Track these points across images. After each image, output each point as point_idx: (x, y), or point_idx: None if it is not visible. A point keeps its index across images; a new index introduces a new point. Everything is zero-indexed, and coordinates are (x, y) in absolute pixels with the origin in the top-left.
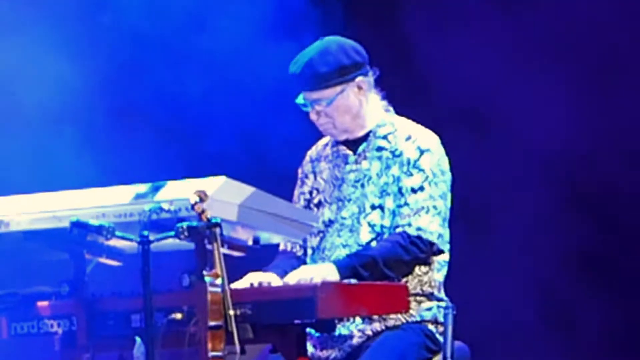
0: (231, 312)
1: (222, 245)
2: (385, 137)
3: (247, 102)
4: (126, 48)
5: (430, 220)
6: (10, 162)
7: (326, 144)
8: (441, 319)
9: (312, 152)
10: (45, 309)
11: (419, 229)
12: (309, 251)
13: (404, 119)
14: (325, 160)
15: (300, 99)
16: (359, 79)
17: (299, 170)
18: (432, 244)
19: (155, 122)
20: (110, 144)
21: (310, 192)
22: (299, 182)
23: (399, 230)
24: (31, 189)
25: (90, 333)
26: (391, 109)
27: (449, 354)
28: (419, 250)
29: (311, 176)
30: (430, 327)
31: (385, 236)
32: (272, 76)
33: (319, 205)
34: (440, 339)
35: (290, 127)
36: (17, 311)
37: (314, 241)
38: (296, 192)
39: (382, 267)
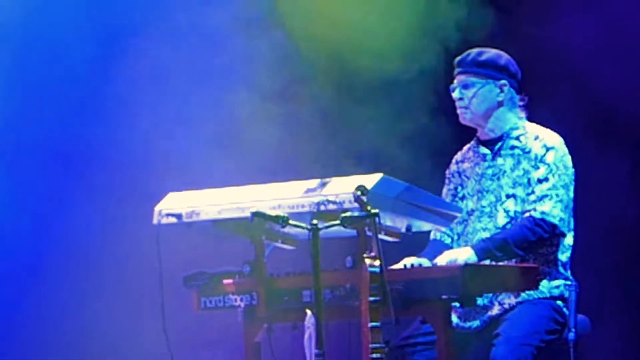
0: (387, 289)
1: (380, 232)
2: (517, 138)
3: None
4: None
5: (552, 205)
6: (196, 159)
7: (469, 148)
8: (567, 295)
9: (457, 156)
10: (230, 286)
11: (542, 213)
12: (455, 237)
13: (533, 124)
14: (467, 160)
15: (454, 83)
16: (503, 82)
17: (446, 172)
18: (554, 226)
19: (322, 123)
20: (281, 143)
21: (455, 188)
22: (446, 181)
23: (526, 215)
24: (217, 184)
25: (268, 307)
26: (524, 115)
27: (573, 326)
28: (543, 231)
29: (456, 175)
30: (558, 302)
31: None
32: (431, 83)
33: (462, 198)
34: (567, 312)
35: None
36: (206, 288)
37: (458, 228)
38: (444, 190)
39: (512, 248)
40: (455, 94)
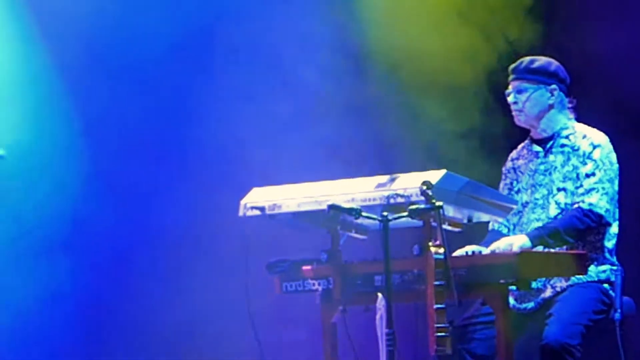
0: (451, 274)
1: (444, 223)
2: (567, 137)
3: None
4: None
5: (599, 198)
6: (277, 157)
7: (523, 146)
8: (613, 279)
9: (512, 154)
10: (308, 271)
11: (590, 204)
12: (511, 227)
13: (581, 124)
14: (522, 157)
15: (509, 88)
16: (553, 86)
17: (503, 169)
18: (601, 216)
19: (391, 123)
20: (351, 142)
21: (511, 183)
22: (503, 177)
23: (575, 206)
24: (295, 179)
25: (343, 290)
26: (572, 116)
27: (618, 306)
28: (590, 221)
29: (512, 171)
30: (605, 285)
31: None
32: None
33: (517, 191)
34: (613, 295)
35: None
36: (287, 274)
37: (514, 219)
38: (501, 184)
39: (563, 235)
40: (510, 99)
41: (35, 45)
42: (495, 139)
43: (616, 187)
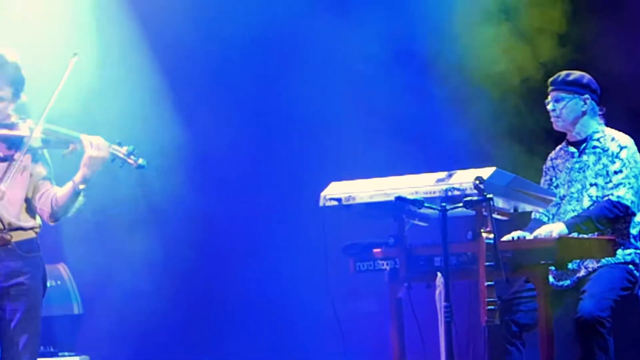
0: (499, 256)
1: (493, 212)
2: (598, 140)
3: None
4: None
5: (626, 191)
6: (351, 154)
7: (560, 148)
8: (637, 261)
9: (552, 154)
10: (378, 253)
11: (618, 197)
12: (550, 216)
13: (610, 128)
14: (559, 157)
15: (548, 98)
16: (586, 96)
17: (543, 167)
18: (627, 207)
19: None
20: (417, 142)
21: (551, 179)
22: (543, 174)
23: (605, 198)
24: (367, 175)
25: (407, 270)
26: (602, 122)
27: None
28: (618, 211)
29: (551, 169)
30: (630, 266)
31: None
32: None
33: (556, 186)
34: (637, 274)
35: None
36: (360, 255)
37: (553, 210)
38: (542, 180)
39: (595, 223)
40: (549, 107)
41: (141, 53)
42: (538, 141)
43: None
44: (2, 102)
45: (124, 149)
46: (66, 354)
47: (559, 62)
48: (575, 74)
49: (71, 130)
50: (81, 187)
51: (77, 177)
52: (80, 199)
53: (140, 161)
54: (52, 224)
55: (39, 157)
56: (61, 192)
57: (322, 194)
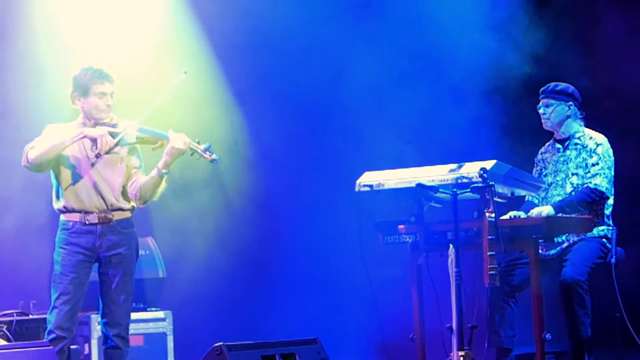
0: (499, 231)
1: (494, 196)
2: (579, 138)
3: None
4: None
5: (601, 180)
6: (382, 149)
7: (549, 144)
8: (609, 235)
9: (542, 149)
10: (402, 229)
11: (595, 184)
12: (540, 199)
13: (588, 129)
14: (548, 152)
15: (539, 104)
16: (570, 103)
17: (535, 159)
18: (602, 192)
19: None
20: (434, 139)
21: (541, 169)
22: (535, 165)
23: (584, 186)
24: (393, 166)
25: (425, 242)
26: (582, 124)
27: (613, 254)
28: (595, 196)
29: (541, 161)
30: (603, 240)
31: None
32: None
33: (545, 175)
34: (609, 246)
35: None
36: (388, 230)
37: (542, 194)
38: (534, 170)
39: (576, 205)
40: (540, 111)
41: (208, 63)
42: (530, 137)
43: (612, 172)
44: (110, 108)
45: (202, 146)
46: (153, 309)
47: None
48: (562, 84)
49: (161, 130)
50: (164, 171)
51: (160, 163)
52: (163, 184)
53: (214, 156)
54: (141, 206)
55: (133, 151)
56: (147, 178)
57: (357, 181)
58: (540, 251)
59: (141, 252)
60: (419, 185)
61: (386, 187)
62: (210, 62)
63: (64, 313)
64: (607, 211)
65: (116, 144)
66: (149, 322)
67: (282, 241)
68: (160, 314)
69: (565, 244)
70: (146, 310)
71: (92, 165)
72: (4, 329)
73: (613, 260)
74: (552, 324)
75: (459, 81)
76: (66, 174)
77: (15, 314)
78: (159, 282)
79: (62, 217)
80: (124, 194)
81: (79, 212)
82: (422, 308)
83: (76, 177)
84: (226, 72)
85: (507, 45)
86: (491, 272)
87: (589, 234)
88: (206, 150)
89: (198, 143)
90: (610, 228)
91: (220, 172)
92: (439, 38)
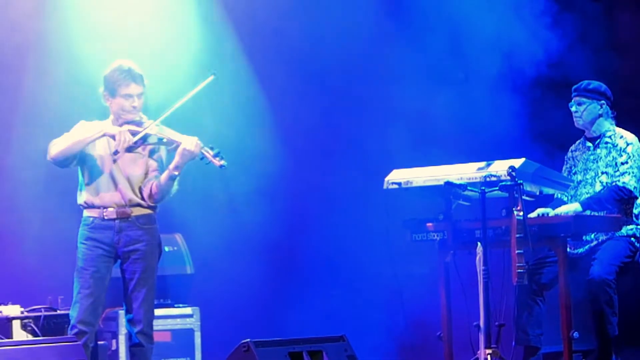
0: (527, 229)
1: (522, 194)
2: (609, 137)
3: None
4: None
5: (630, 179)
6: (408, 147)
7: (579, 142)
8: (638, 234)
9: (572, 147)
10: (430, 226)
11: (624, 183)
12: (569, 197)
13: (619, 128)
14: (578, 150)
15: (571, 102)
16: (602, 102)
17: (565, 157)
18: (630, 191)
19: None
20: (462, 138)
21: (570, 167)
22: (564, 163)
23: (613, 184)
24: (422, 164)
25: (453, 240)
26: (614, 122)
27: None
28: (623, 194)
29: (571, 159)
30: (632, 239)
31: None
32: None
33: (574, 173)
34: (637, 245)
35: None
36: (416, 228)
37: (571, 192)
38: (563, 168)
39: (604, 203)
40: (572, 109)
41: (233, 51)
42: (561, 136)
43: None
44: (137, 109)
45: (212, 152)
46: (181, 305)
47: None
48: (595, 83)
49: (177, 133)
50: (175, 173)
51: (172, 165)
52: (175, 186)
53: (222, 162)
54: (151, 204)
55: (154, 152)
56: (160, 179)
57: (386, 179)
58: (568, 249)
59: (169, 248)
60: (447, 183)
61: (414, 184)
62: (242, 64)
63: (85, 307)
64: (636, 210)
65: (137, 142)
66: (177, 318)
67: (309, 238)
68: (188, 310)
69: (594, 243)
70: (174, 307)
71: (114, 162)
72: (32, 324)
73: None
74: (580, 322)
75: (489, 79)
76: (90, 171)
77: (43, 309)
78: (186, 279)
79: (84, 212)
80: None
81: (99, 207)
82: (449, 306)
83: (98, 174)
84: (258, 73)
85: (538, 43)
86: (519, 271)
87: (617, 233)
88: (216, 155)
89: (211, 148)
90: (639, 227)
91: (248, 169)
92: (471, 33)
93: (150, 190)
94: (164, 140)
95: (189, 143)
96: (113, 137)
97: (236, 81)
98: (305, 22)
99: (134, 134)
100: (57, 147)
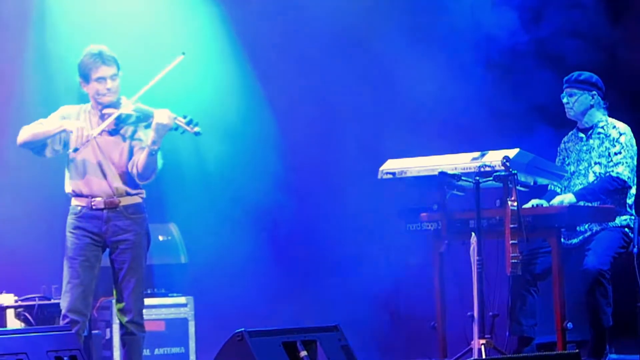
0: (521, 220)
1: (517, 185)
2: (602, 127)
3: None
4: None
5: (624, 169)
6: (403, 138)
7: (572, 133)
8: (632, 225)
9: (565, 138)
10: (424, 216)
11: (617, 173)
12: (562, 188)
13: (612, 118)
14: (571, 141)
15: (563, 93)
16: (594, 92)
17: (558, 148)
18: (624, 181)
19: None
20: (457, 128)
21: (564, 158)
22: (558, 154)
23: (607, 174)
24: (416, 154)
25: (447, 230)
26: (606, 113)
27: (636, 244)
28: (617, 185)
29: (564, 150)
30: (626, 229)
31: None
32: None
33: (568, 164)
34: (631, 235)
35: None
36: (410, 218)
37: (565, 183)
38: (557, 159)
39: (598, 194)
40: (564, 100)
41: (237, 51)
42: (554, 126)
43: (635, 162)
44: (112, 91)
45: (185, 120)
46: (175, 294)
47: None
48: (586, 74)
49: (150, 108)
50: (154, 147)
51: (148, 141)
52: (160, 161)
53: (197, 129)
54: (141, 183)
55: (135, 132)
56: (140, 156)
57: (380, 168)
58: (562, 240)
59: (163, 237)
60: (442, 173)
61: (409, 174)
62: (237, 51)
63: (75, 296)
64: (630, 200)
65: (117, 125)
66: (171, 307)
67: (304, 228)
68: (182, 299)
69: (588, 233)
70: (168, 296)
71: (100, 150)
72: (26, 314)
73: (635, 249)
74: (574, 313)
75: (484, 70)
76: (75, 159)
77: (37, 299)
78: (180, 268)
79: (72, 201)
80: (133, 179)
81: (87, 196)
82: (443, 296)
83: (83, 162)
84: (254, 63)
85: (536, 32)
86: (513, 261)
87: (611, 224)
88: (189, 123)
89: (184, 117)
90: (633, 217)
91: (245, 158)
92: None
93: (135, 169)
94: (139, 116)
95: (161, 116)
96: (71, 132)
97: (230, 64)
98: (300, 15)
99: (108, 115)
100: (22, 135)
